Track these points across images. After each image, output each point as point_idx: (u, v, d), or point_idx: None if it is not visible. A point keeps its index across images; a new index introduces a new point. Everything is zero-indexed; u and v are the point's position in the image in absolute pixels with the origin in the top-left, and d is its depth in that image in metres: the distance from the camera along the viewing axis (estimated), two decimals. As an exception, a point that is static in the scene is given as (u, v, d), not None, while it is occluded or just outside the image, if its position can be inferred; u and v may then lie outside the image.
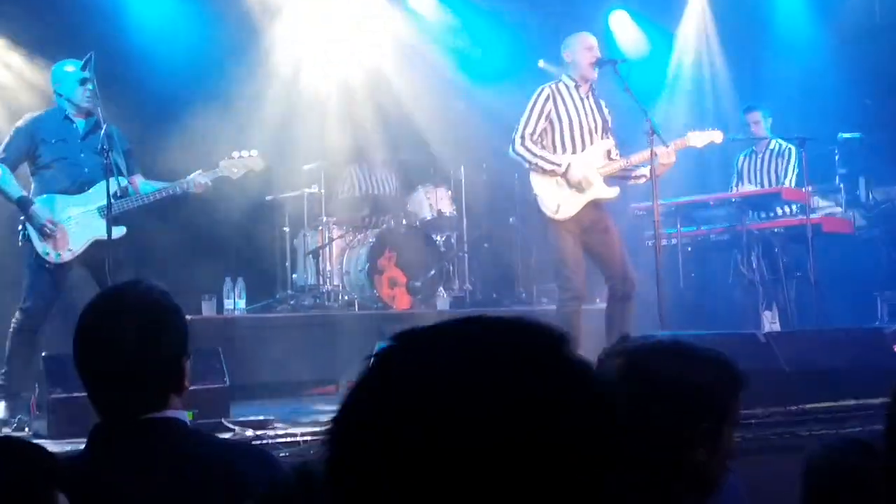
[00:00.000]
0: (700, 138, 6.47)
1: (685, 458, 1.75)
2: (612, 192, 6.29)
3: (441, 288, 8.56)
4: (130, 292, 2.11)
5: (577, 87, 6.28)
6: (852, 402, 5.07)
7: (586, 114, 6.26)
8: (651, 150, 6.00)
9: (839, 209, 8.30)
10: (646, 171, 6.18)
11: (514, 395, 0.86)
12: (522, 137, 6.18)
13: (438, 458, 0.84)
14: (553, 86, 6.31)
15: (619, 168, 6.26)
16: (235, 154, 6.39)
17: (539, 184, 6.16)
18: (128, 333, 2.02)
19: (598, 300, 9.17)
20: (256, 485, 1.95)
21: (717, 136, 6.61)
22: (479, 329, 0.93)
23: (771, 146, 8.28)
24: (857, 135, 8.60)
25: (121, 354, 2.01)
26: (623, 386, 1.75)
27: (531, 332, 0.93)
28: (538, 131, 6.20)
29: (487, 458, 0.84)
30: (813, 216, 7.39)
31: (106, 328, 2.04)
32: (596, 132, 6.27)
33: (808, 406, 5.11)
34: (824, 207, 8.15)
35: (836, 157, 8.73)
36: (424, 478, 0.84)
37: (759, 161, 8.31)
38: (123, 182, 5.99)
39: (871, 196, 8.87)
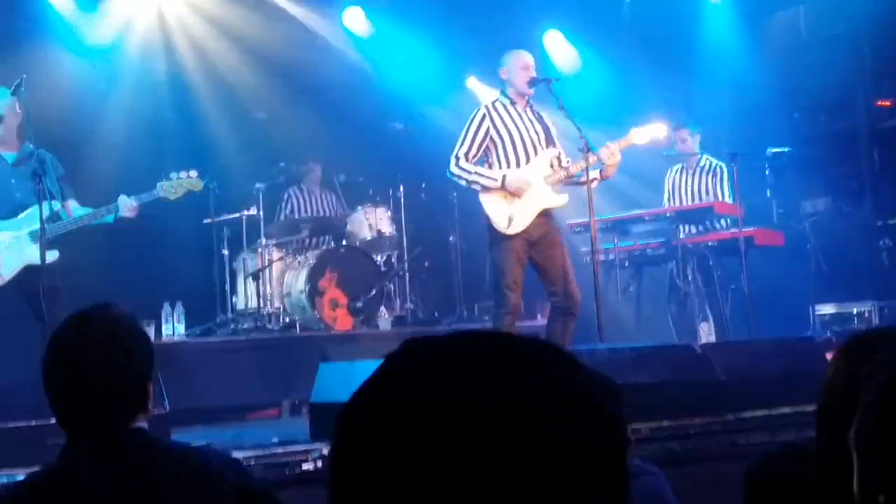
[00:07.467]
0: (642, 135, 6.46)
1: None
2: (561, 200, 6.30)
3: (382, 308, 8.55)
4: (99, 316, 2.18)
5: (513, 103, 6.34)
6: (787, 409, 5.16)
7: (526, 127, 6.30)
8: (587, 159, 6.05)
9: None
10: (595, 173, 6.22)
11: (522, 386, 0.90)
12: (457, 157, 6.23)
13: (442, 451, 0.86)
14: (489, 105, 6.36)
15: (564, 177, 6.29)
16: (174, 175, 6.32)
17: (488, 202, 6.20)
18: (96, 357, 2.10)
19: (539, 316, 9.28)
20: (233, 485, 2.09)
21: (660, 131, 6.59)
22: (483, 338, 0.97)
23: (701, 163, 8.33)
24: (785, 149, 8.78)
25: (88, 377, 2.09)
26: None
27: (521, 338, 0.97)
28: (475, 151, 6.25)
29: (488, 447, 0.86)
30: (745, 229, 7.50)
31: (74, 351, 2.12)
32: (539, 143, 6.30)
33: (745, 415, 5.19)
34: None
35: (767, 171, 8.92)
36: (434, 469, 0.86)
37: (689, 178, 8.37)
38: (56, 206, 5.91)
39: (800, 209, 9.08)
